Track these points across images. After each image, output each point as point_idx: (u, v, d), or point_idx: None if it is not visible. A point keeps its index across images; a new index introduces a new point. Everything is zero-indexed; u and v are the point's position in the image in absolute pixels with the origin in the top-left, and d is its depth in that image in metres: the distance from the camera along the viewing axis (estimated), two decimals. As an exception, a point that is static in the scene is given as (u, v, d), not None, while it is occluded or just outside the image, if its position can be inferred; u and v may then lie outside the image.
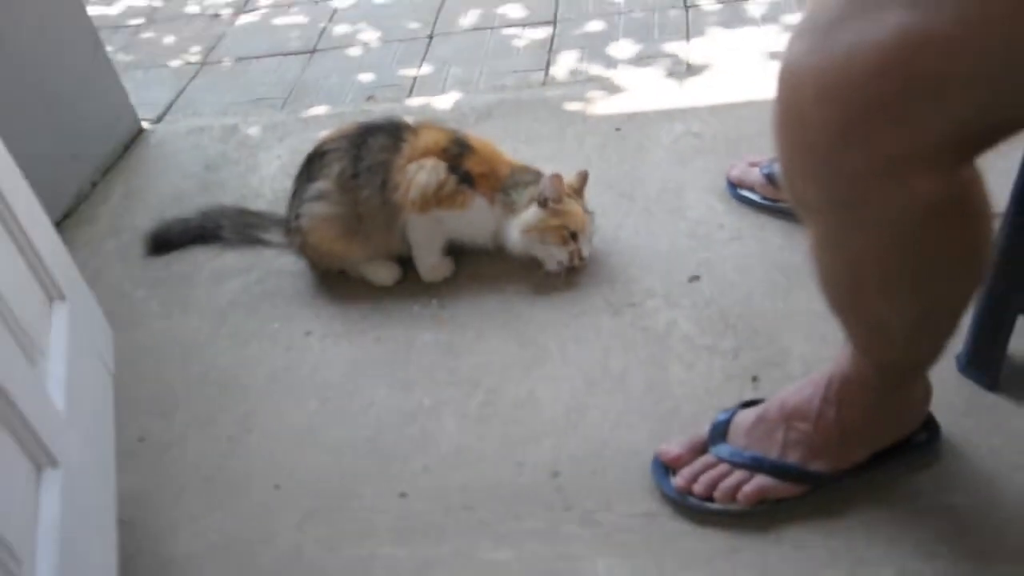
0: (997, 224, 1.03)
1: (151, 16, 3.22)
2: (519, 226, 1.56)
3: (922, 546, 1.10)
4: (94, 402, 1.26)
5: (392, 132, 1.60)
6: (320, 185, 1.60)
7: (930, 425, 1.20)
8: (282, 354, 1.56)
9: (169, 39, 3.02)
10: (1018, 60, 0.69)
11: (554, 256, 1.57)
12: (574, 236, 1.55)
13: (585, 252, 1.57)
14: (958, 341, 1.25)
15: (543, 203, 1.54)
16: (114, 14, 3.27)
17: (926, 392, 1.16)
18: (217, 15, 3.14)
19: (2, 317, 1.05)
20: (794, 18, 2.38)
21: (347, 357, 1.53)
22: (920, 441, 1.18)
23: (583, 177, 1.64)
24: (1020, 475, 1.15)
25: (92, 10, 2.27)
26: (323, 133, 1.70)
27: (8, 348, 1.02)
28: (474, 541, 1.20)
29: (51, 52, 2.03)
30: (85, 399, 1.21)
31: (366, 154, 1.58)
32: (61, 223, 1.97)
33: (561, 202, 1.55)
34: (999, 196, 0.99)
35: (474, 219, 1.59)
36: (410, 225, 1.59)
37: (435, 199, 1.55)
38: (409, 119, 1.65)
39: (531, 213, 1.55)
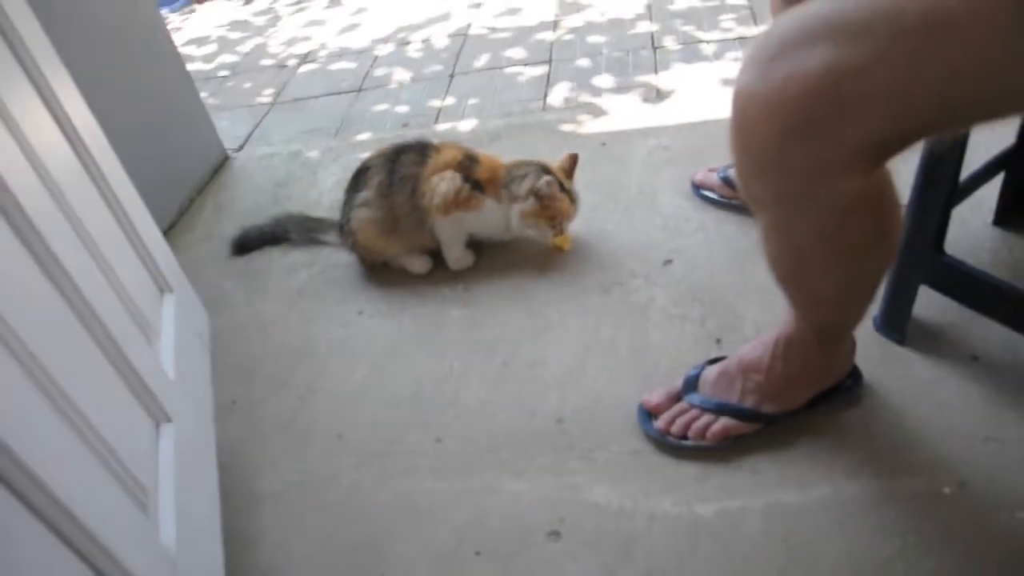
0: (903, 213, 1.03)
1: (234, 68, 3.21)
2: (519, 212, 1.56)
3: (850, 468, 1.11)
4: (196, 371, 1.28)
5: (420, 150, 1.60)
6: (364, 194, 1.59)
7: (855, 373, 1.20)
8: (340, 329, 1.56)
9: (248, 85, 3.01)
10: (919, 86, 0.69)
11: (544, 234, 1.59)
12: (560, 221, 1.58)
13: (566, 229, 1.61)
14: (875, 306, 1.25)
15: (540, 197, 1.53)
16: (207, 68, 3.27)
17: (852, 347, 1.17)
18: (284, 65, 3.13)
19: (128, 309, 1.08)
20: (739, 54, 2.37)
21: (391, 331, 1.53)
22: (848, 386, 1.19)
23: (573, 159, 1.64)
24: (922, 409, 1.16)
25: (191, 66, 2.29)
26: (367, 154, 1.69)
27: (133, 332, 1.06)
28: (497, 475, 1.20)
29: (159, 98, 2.05)
30: (189, 369, 1.23)
31: (399, 168, 1.58)
32: (168, 232, 1.97)
33: (553, 198, 1.54)
34: (903, 191, 0.99)
35: (487, 217, 1.59)
36: (437, 225, 1.58)
37: (454, 203, 1.54)
38: (435, 140, 1.64)
39: (529, 204, 1.54)
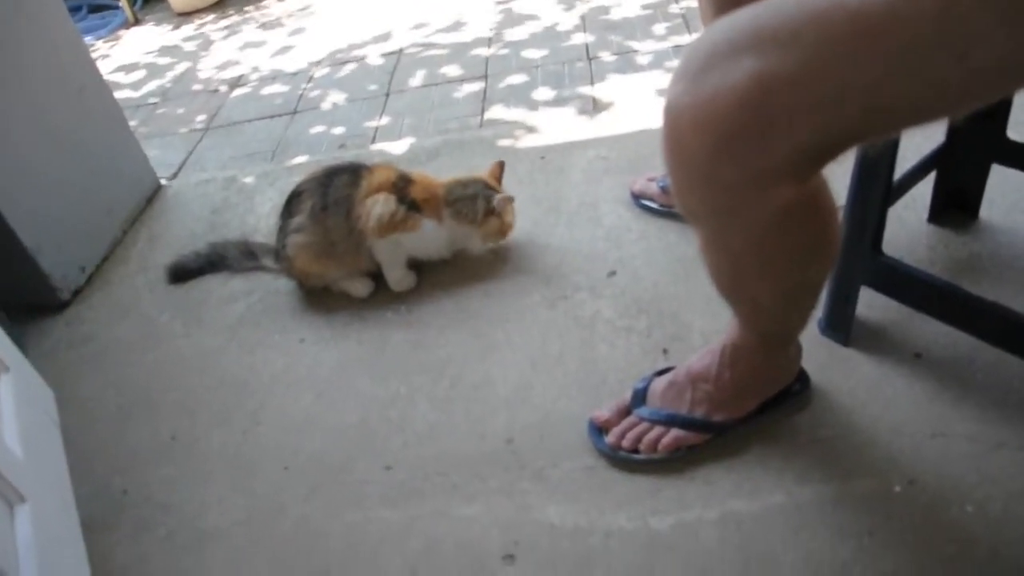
0: (840, 217, 1.03)
1: (165, 95, 3.14)
2: (482, 234, 1.58)
3: (802, 472, 1.10)
4: (48, 450, 1.24)
5: (352, 172, 1.56)
6: (298, 219, 1.55)
7: (802, 377, 1.20)
8: (282, 358, 1.52)
9: (180, 111, 2.94)
10: (846, 93, 0.68)
11: (496, 242, 1.63)
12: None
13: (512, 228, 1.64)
14: (819, 308, 1.25)
15: (496, 214, 1.56)
16: (136, 95, 3.18)
17: (798, 351, 1.16)
18: (216, 90, 3.07)
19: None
20: (673, 64, 2.38)
21: (335, 357, 1.49)
22: (796, 391, 1.19)
23: (500, 166, 1.67)
24: (869, 409, 1.17)
25: (119, 94, 2.21)
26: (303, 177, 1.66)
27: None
28: (448, 500, 1.17)
29: (88, 130, 1.99)
30: (40, 448, 1.20)
31: (332, 191, 1.54)
32: (101, 265, 1.91)
33: (507, 212, 1.57)
34: (839, 192, 1.00)
35: (425, 237, 1.56)
36: (375, 248, 1.55)
37: (390, 225, 1.52)
38: (368, 162, 1.61)
39: (492, 224, 1.57)
